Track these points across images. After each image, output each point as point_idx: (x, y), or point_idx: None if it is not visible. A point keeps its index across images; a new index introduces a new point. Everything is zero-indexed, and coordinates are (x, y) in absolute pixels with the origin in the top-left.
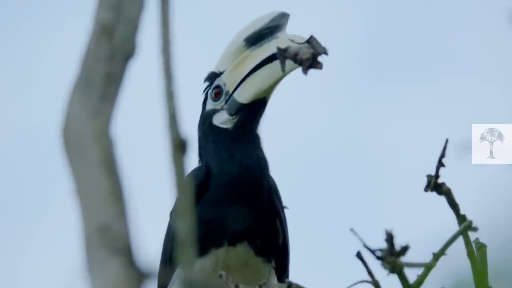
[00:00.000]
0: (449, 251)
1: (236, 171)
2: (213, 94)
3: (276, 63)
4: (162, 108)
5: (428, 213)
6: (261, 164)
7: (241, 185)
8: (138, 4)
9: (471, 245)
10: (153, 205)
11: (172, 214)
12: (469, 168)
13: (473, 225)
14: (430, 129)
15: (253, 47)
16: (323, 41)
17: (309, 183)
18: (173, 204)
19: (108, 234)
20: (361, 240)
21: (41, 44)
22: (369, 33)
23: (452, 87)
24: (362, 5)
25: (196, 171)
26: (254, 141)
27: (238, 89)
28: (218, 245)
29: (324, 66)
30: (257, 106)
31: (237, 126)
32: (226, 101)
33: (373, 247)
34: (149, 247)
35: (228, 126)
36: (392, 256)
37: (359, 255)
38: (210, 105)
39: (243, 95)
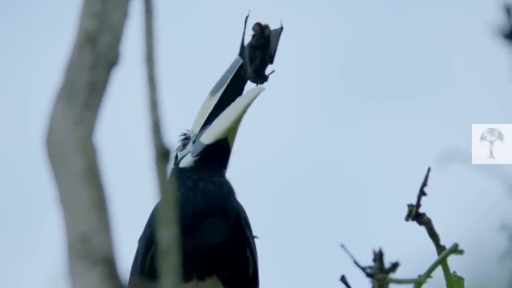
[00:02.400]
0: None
1: (200, 198)
2: (181, 146)
3: (234, 105)
4: (146, 117)
5: (411, 233)
6: (224, 189)
7: (206, 212)
8: (122, 12)
9: (451, 276)
10: (136, 215)
11: (141, 240)
12: (455, 180)
13: (459, 248)
14: (419, 144)
15: (216, 94)
16: (307, 58)
17: (289, 203)
18: (143, 229)
19: (89, 244)
20: (351, 256)
21: (24, 52)
22: (353, 48)
23: (448, 96)
24: (346, 21)
25: None
26: (217, 171)
27: (203, 133)
28: (187, 279)
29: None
30: (219, 147)
31: (199, 162)
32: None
33: (362, 264)
34: (131, 259)
35: (191, 165)
36: (382, 273)
37: (343, 279)
38: (179, 156)
39: (207, 137)
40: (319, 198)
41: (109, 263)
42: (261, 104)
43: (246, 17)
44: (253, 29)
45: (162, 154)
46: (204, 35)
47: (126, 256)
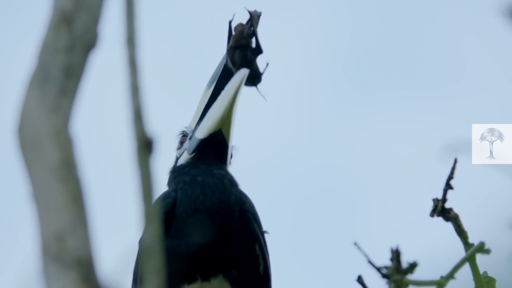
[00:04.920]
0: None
1: (199, 193)
2: (178, 143)
3: (223, 94)
4: (127, 104)
5: (428, 232)
6: (225, 181)
7: (207, 208)
8: None
9: (480, 277)
10: (116, 212)
11: (137, 259)
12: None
13: (485, 247)
14: (428, 137)
15: (211, 86)
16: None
17: (292, 201)
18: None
19: (65, 244)
20: (365, 255)
21: None
22: (356, 37)
23: (449, 92)
24: (348, 7)
25: (164, 197)
26: (217, 164)
27: (198, 127)
28: (191, 280)
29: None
30: (214, 140)
31: (196, 159)
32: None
33: (378, 264)
34: (109, 260)
35: (189, 161)
36: (399, 274)
37: (359, 280)
38: (177, 156)
39: (200, 131)
40: (323, 195)
41: (85, 264)
42: (260, 99)
43: (230, 22)
44: (235, 29)
45: (144, 144)
46: (190, 14)
47: (104, 257)
